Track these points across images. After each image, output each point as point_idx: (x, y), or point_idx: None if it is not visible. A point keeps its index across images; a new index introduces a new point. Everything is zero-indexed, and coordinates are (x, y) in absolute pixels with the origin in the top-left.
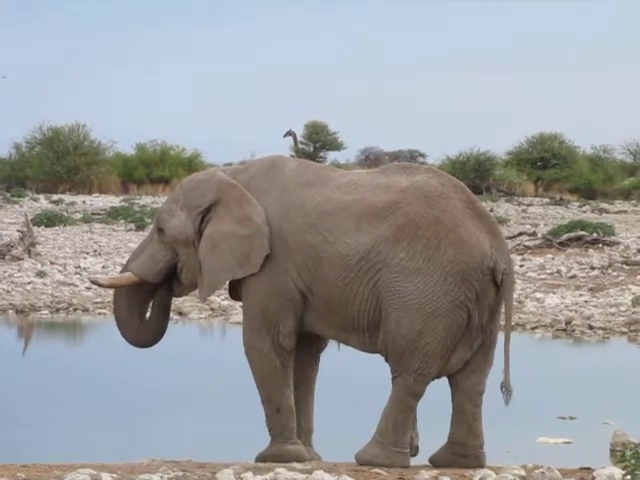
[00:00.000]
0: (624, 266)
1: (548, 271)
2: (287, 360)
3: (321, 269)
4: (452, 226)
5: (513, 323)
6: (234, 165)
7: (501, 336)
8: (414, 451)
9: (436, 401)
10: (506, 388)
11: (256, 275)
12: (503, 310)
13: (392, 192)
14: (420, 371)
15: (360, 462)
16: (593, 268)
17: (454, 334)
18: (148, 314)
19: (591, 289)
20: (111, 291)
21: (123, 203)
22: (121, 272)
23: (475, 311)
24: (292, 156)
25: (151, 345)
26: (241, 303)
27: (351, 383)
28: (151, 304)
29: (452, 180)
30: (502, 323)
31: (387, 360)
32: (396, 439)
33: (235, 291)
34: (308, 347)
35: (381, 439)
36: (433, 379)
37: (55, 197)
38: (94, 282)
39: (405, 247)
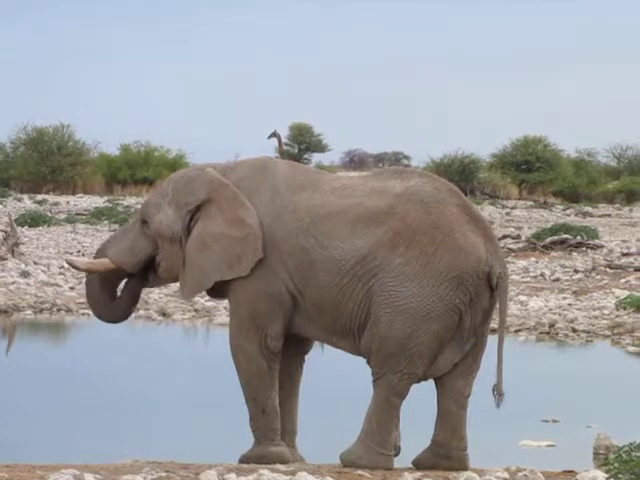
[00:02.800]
0: (608, 270)
1: (532, 274)
2: (274, 362)
3: (314, 273)
4: (449, 231)
5: (496, 325)
6: (223, 163)
7: (492, 338)
8: (396, 451)
9: (420, 403)
10: (498, 391)
11: (245, 277)
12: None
13: (387, 197)
14: (406, 370)
15: (344, 463)
16: (577, 271)
17: (443, 336)
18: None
19: (575, 292)
20: None
21: (107, 204)
22: (95, 256)
23: (467, 314)
24: (276, 157)
25: (115, 323)
26: (224, 303)
27: (334, 384)
28: (123, 286)
29: (447, 185)
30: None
31: (370, 361)
32: (381, 440)
33: (216, 290)
34: (294, 348)
35: (366, 440)
36: (419, 381)
37: (39, 197)
38: (70, 264)
39: (402, 252)
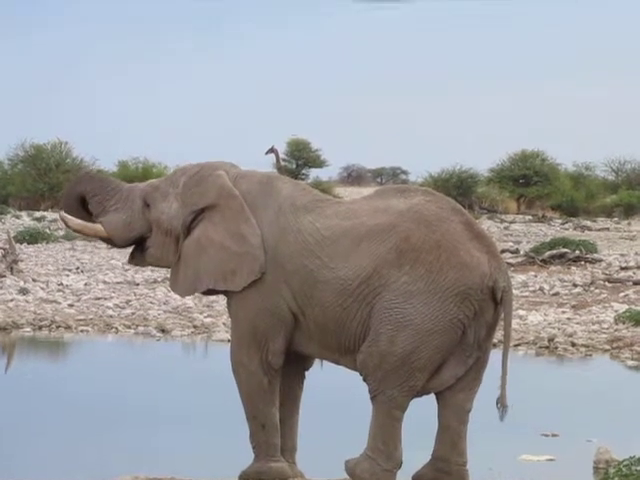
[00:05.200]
0: (606, 283)
1: (531, 288)
2: (274, 378)
3: (318, 293)
4: (453, 249)
5: (496, 340)
6: (235, 170)
7: (494, 351)
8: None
9: (420, 418)
10: (502, 404)
11: (247, 292)
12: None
13: (391, 215)
14: (406, 384)
15: (348, 472)
16: (576, 285)
17: (445, 350)
18: None
19: (574, 306)
20: (94, 308)
21: None
22: (71, 193)
23: (471, 328)
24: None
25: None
26: (223, 319)
27: (333, 400)
28: None
29: (449, 202)
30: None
31: (367, 378)
32: (388, 455)
33: (211, 291)
34: (295, 365)
35: (372, 455)
36: (421, 395)
37: (37, 214)
38: (63, 219)
39: (407, 271)
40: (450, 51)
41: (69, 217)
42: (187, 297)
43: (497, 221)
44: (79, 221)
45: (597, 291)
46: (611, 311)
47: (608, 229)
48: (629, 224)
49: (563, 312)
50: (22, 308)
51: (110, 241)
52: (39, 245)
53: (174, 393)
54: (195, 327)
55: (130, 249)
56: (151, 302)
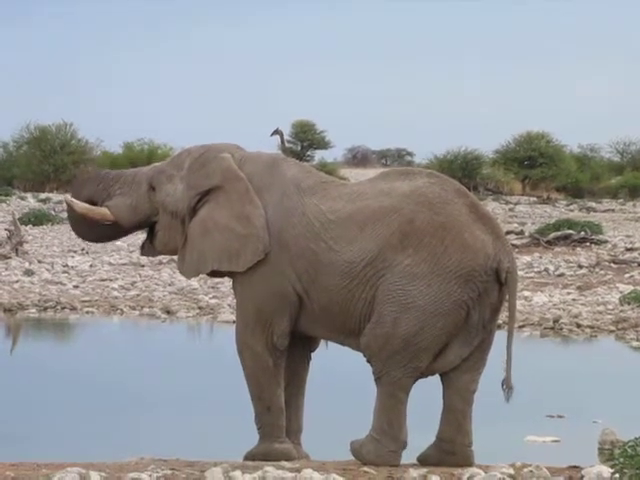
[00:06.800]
0: (612, 264)
1: (536, 270)
2: (279, 359)
3: (322, 275)
4: (457, 232)
5: (500, 321)
6: (240, 152)
7: (499, 333)
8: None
9: (425, 400)
10: (507, 385)
11: (252, 274)
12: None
13: (395, 197)
14: (410, 364)
15: (353, 453)
16: (581, 267)
17: (449, 331)
18: None
19: (579, 287)
20: (99, 290)
21: None
22: (75, 189)
23: (475, 309)
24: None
25: (83, 239)
26: (228, 300)
27: (339, 380)
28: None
29: (454, 184)
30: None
31: (371, 360)
32: (393, 436)
33: (217, 273)
34: (300, 346)
35: (377, 436)
36: (427, 375)
37: (42, 196)
38: (68, 202)
39: (411, 254)
40: (456, 33)
41: (75, 201)
42: (193, 278)
43: (502, 202)
44: (85, 205)
45: (602, 272)
46: (616, 292)
47: (613, 210)
48: (634, 205)
49: (568, 293)
50: (27, 289)
51: (116, 225)
52: (44, 227)
53: (179, 375)
54: (200, 308)
55: (133, 242)
56: (156, 284)
